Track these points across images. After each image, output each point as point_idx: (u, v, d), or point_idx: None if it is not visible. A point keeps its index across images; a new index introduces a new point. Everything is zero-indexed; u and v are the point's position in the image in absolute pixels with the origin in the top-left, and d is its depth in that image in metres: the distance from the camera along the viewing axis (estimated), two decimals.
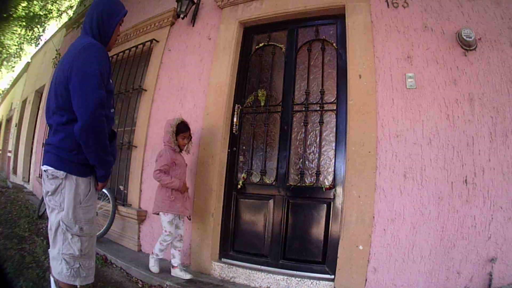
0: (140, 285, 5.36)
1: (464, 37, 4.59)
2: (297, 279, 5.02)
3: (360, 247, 4.68)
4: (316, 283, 4.89)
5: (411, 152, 4.71)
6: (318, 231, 5.34)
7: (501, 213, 4.17)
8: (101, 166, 3.11)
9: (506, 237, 4.11)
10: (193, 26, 7.26)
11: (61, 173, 3.04)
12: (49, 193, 3.12)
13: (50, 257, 3.20)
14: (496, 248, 4.11)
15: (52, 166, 3.07)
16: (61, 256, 3.07)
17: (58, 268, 3.09)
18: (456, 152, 4.49)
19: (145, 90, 7.57)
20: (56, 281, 3.17)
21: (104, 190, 7.08)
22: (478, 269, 4.14)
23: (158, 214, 5.43)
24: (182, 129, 5.63)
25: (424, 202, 4.53)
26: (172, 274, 5.41)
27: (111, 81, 3.37)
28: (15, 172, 17.92)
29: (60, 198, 3.08)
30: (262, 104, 6.15)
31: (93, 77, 2.95)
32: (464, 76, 4.66)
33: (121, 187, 7.73)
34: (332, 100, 5.63)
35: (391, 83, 4.99)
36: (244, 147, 6.30)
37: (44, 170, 3.13)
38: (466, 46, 4.69)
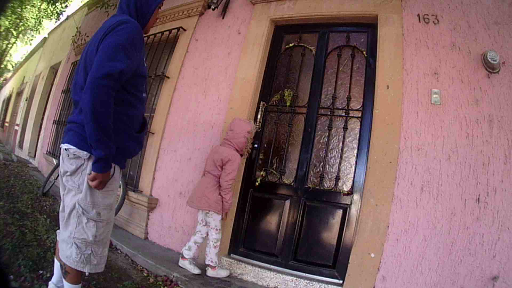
0: (145, 274, 5.50)
1: (489, 60, 4.83)
2: (305, 281, 5.24)
3: (372, 255, 4.92)
4: (325, 287, 5.15)
5: (430, 166, 4.95)
6: (331, 235, 5.57)
7: (507, 234, 4.41)
8: (96, 146, 2.86)
9: (510, 257, 4.35)
10: (222, 18, 7.49)
11: (84, 153, 3.01)
12: (68, 173, 3.10)
13: (59, 239, 3.23)
14: (499, 267, 4.36)
15: (75, 145, 3.02)
16: (72, 240, 3.05)
17: (67, 252, 3.07)
18: (472, 170, 4.73)
19: (168, 78, 7.81)
20: (62, 265, 3.20)
21: None
22: (480, 286, 4.38)
23: (207, 211, 5.45)
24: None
25: (438, 216, 4.77)
26: (179, 264, 5.59)
27: (145, 64, 3.42)
28: (21, 146, 18.08)
29: (80, 180, 3.05)
30: (288, 104, 6.37)
31: (118, 49, 2.89)
32: (486, 97, 4.91)
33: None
34: (358, 107, 5.88)
35: (417, 97, 5.26)
36: (265, 145, 6.49)
37: (65, 149, 3.09)
38: (490, 68, 4.93)
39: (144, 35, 3.39)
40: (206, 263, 5.52)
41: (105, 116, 2.81)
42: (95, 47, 3.01)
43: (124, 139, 3.18)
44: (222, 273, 5.56)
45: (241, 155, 5.77)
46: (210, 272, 5.48)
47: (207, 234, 5.64)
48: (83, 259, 3.07)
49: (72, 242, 3.06)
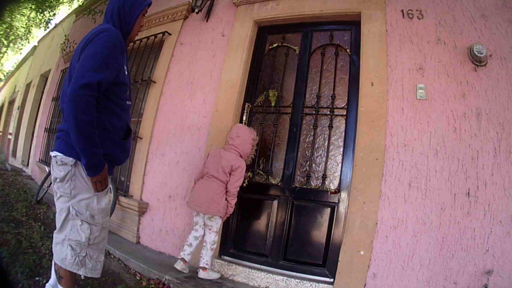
0: (138, 278, 5.49)
1: (476, 53, 4.80)
2: (296, 280, 5.20)
3: (362, 253, 4.88)
4: (316, 286, 5.09)
5: (417, 162, 4.92)
6: (320, 234, 5.53)
7: (500, 227, 4.37)
8: (81, 154, 2.95)
9: (503, 251, 4.30)
10: (207, 21, 7.45)
11: (69, 160, 3.06)
12: (58, 180, 3.14)
13: (53, 243, 3.21)
14: (493, 261, 4.31)
15: (61, 152, 3.09)
16: (67, 242, 3.09)
17: (61, 254, 3.10)
18: (461, 165, 4.70)
19: (154, 82, 7.72)
20: (56, 270, 3.21)
21: None
22: (474, 281, 4.34)
23: (212, 216, 5.41)
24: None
25: (427, 211, 4.73)
26: (179, 268, 5.47)
27: (126, 72, 3.39)
28: (14, 155, 18.14)
29: (70, 186, 3.09)
30: (273, 104, 6.37)
31: (95, 59, 2.94)
32: (473, 91, 4.88)
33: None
34: (343, 105, 5.85)
35: (402, 93, 5.23)
36: None
37: (53, 156, 3.16)
38: (477, 61, 4.89)
39: (130, 42, 3.55)
40: (200, 265, 5.44)
41: (87, 124, 2.86)
42: (78, 57, 3.07)
43: (108, 146, 3.17)
44: (214, 275, 5.50)
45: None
46: (202, 274, 5.41)
47: (202, 236, 5.61)
48: (77, 261, 3.09)
49: (67, 244, 3.08)
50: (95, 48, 2.98)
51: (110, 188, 6.78)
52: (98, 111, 2.99)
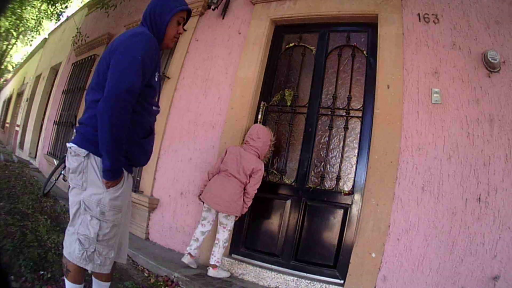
0: (146, 274, 5.52)
1: (490, 59, 4.83)
2: (307, 281, 5.23)
3: (373, 255, 4.92)
4: (326, 287, 5.14)
5: (431, 165, 4.95)
6: (332, 235, 5.57)
7: (508, 233, 4.41)
8: (106, 156, 2.93)
9: (510, 257, 4.35)
10: (223, 18, 7.47)
11: (82, 151, 3.05)
12: (71, 171, 3.15)
13: (65, 235, 3.23)
14: (500, 267, 4.35)
15: (75, 144, 3.10)
16: (76, 235, 3.09)
17: (70, 248, 3.13)
18: (473, 170, 4.73)
19: (168, 78, 7.75)
20: (64, 263, 3.21)
21: None
22: (481, 286, 4.37)
23: (227, 214, 5.46)
24: None
25: (439, 215, 4.77)
26: (182, 259, 5.55)
27: (156, 77, 3.35)
28: (21, 147, 18.18)
29: (82, 178, 3.09)
30: (288, 104, 6.39)
31: (134, 61, 2.94)
32: (486, 97, 4.91)
33: None
34: (359, 107, 5.88)
35: (417, 96, 5.26)
36: None
37: (69, 147, 3.15)
38: (491, 67, 4.92)
39: (165, 49, 3.57)
40: (211, 263, 5.48)
41: (121, 130, 2.89)
42: (109, 56, 3.05)
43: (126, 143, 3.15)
44: (224, 274, 5.55)
45: None
46: (211, 272, 5.45)
47: (209, 232, 5.67)
48: (85, 257, 3.09)
49: (76, 238, 3.09)
50: (134, 49, 3.00)
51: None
52: None
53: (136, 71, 2.93)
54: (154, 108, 3.44)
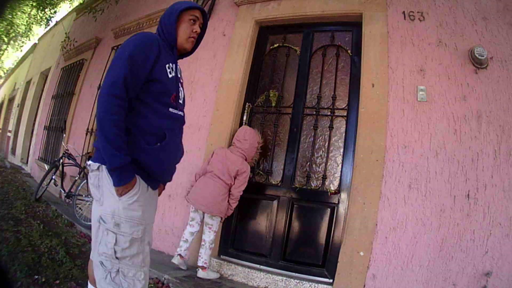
0: None
1: (477, 55, 4.81)
2: (296, 280, 5.21)
3: (361, 253, 4.88)
4: (315, 286, 5.10)
5: (417, 163, 4.93)
6: (320, 234, 5.54)
7: (499, 229, 4.39)
8: (104, 155, 2.69)
9: (502, 253, 4.32)
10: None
11: (95, 165, 2.86)
12: (92, 186, 2.97)
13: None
14: (492, 263, 4.33)
15: (91, 160, 2.93)
16: (98, 258, 2.78)
17: (96, 275, 2.82)
18: (461, 166, 4.72)
19: None
20: None
21: None
22: (473, 282, 4.35)
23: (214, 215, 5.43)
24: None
25: (427, 213, 4.74)
26: (172, 260, 5.51)
27: (170, 74, 3.03)
28: (13, 152, 18.21)
29: (99, 192, 2.88)
30: (273, 104, 6.38)
31: (119, 58, 2.77)
32: (474, 93, 4.90)
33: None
34: (344, 106, 5.86)
35: (402, 94, 5.24)
36: None
37: (88, 165, 3.01)
38: (478, 64, 4.91)
39: (184, 52, 3.32)
40: (199, 264, 5.46)
41: (109, 125, 2.66)
42: None
43: (133, 151, 2.82)
44: (213, 275, 5.53)
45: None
46: (201, 273, 5.44)
47: (198, 232, 5.64)
48: (110, 280, 2.74)
49: (98, 261, 2.79)
50: (121, 50, 2.86)
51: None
52: (128, 112, 2.79)
53: (121, 66, 2.73)
54: (171, 110, 3.08)
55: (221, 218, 5.54)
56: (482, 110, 4.83)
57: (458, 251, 4.52)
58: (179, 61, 3.25)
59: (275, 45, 6.78)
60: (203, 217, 5.59)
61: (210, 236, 5.46)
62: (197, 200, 5.43)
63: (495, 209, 4.48)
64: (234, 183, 5.51)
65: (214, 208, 5.38)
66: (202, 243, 5.50)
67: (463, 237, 4.54)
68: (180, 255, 5.50)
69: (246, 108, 6.50)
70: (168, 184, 6.05)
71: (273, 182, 6.09)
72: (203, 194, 5.42)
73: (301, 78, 6.32)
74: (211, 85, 6.95)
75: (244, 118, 6.46)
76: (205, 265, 5.44)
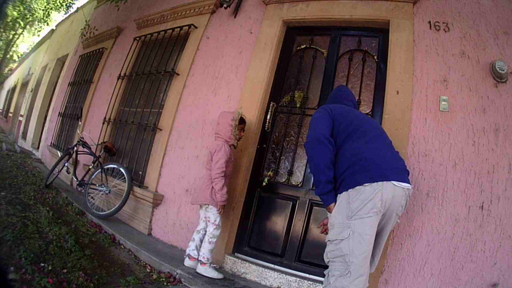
0: (148, 270, 5.63)
1: (498, 69, 5.00)
2: (309, 282, 5.36)
3: None
4: None
5: (436, 172, 5.10)
6: None
7: (509, 242, 4.59)
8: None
9: (510, 265, 4.53)
10: (234, 17, 7.68)
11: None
12: None
13: None
14: (499, 274, 4.53)
15: None
16: None
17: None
18: (477, 178, 4.90)
19: (178, 74, 8.02)
20: None
21: (120, 168, 7.60)
22: None
23: (207, 205, 5.57)
24: (241, 121, 5.93)
25: (442, 222, 4.93)
26: (186, 264, 5.62)
27: (352, 118, 4.28)
28: (24, 137, 18.33)
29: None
30: (298, 105, 6.54)
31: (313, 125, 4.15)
32: (493, 106, 5.07)
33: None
34: (368, 111, 6.04)
35: (425, 103, 5.42)
36: (274, 146, 6.62)
37: None
38: (498, 77, 5.10)
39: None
40: (199, 258, 5.54)
41: (318, 163, 3.93)
42: None
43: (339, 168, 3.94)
44: (212, 273, 5.45)
45: (235, 147, 5.96)
46: (199, 269, 5.47)
47: (200, 231, 5.78)
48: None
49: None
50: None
51: (126, 178, 7.26)
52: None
53: (315, 128, 4.13)
54: (365, 139, 4.21)
55: (217, 208, 5.54)
56: (500, 124, 5.00)
57: (469, 261, 4.70)
58: None
59: (302, 46, 6.94)
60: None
61: (209, 229, 5.55)
62: (192, 196, 5.75)
63: (507, 221, 4.67)
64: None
65: (198, 196, 5.67)
66: (205, 237, 5.61)
67: (475, 248, 4.72)
68: (189, 255, 5.66)
69: (270, 107, 6.62)
70: (186, 178, 6.47)
71: (294, 183, 6.25)
72: (196, 187, 5.72)
73: (327, 80, 6.49)
74: (235, 82, 7.15)
75: (268, 117, 6.58)
76: (203, 260, 5.45)
